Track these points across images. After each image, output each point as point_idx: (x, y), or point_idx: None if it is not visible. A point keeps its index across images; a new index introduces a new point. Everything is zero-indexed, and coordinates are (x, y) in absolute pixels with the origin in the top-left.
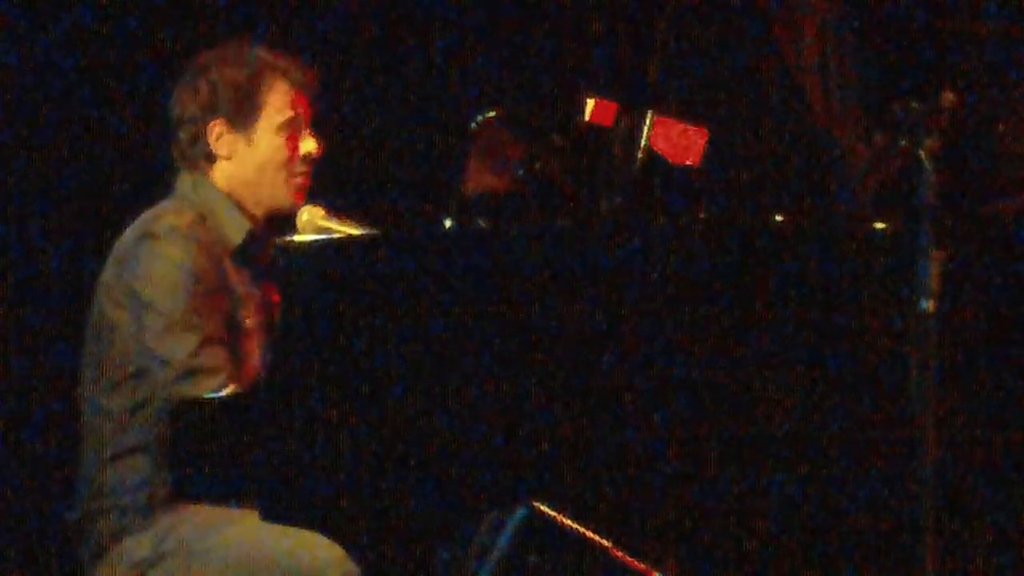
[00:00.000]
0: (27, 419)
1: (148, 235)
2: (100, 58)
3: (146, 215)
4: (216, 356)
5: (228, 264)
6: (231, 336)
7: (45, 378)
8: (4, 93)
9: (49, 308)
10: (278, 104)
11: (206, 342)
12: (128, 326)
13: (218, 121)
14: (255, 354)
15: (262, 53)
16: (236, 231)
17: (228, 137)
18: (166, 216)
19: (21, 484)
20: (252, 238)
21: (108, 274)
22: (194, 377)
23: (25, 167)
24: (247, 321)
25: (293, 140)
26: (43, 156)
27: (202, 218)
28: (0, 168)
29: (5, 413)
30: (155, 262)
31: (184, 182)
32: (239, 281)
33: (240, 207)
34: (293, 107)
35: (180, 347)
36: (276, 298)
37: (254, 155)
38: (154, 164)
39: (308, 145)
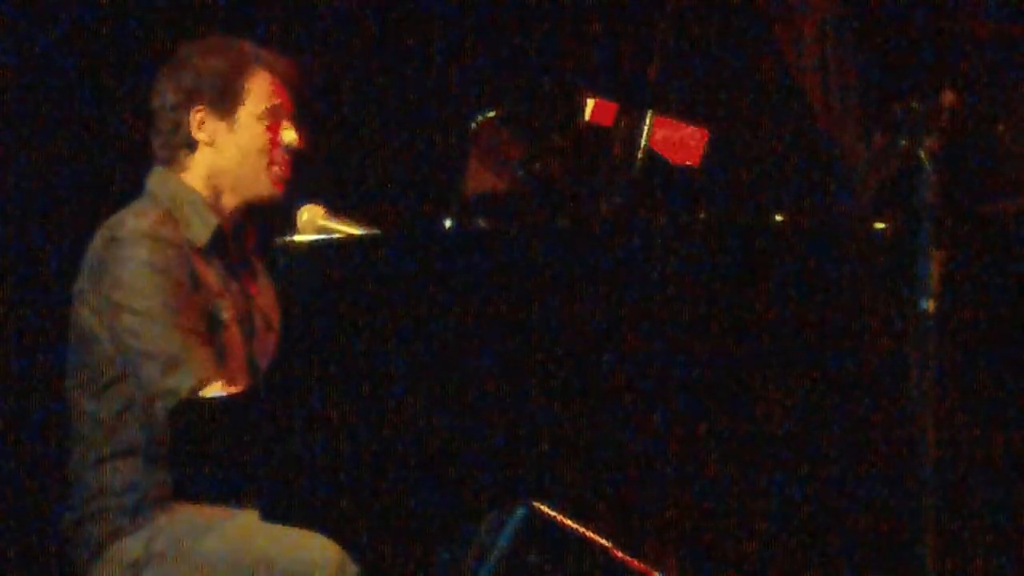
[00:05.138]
0: (27, 419)
1: (113, 240)
2: (100, 58)
3: (111, 220)
4: (197, 348)
5: (198, 260)
6: (210, 330)
7: (45, 378)
8: (4, 93)
9: (49, 308)
10: (260, 92)
11: (185, 335)
12: (105, 332)
13: (200, 107)
14: (236, 347)
15: (243, 44)
16: (203, 228)
17: (210, 123)
18: (129, 219)
19: (21, 484)
20: (220, 234)
21: (81, 282)
22: (178, 369)
23: (25, 167)
24: (224, 315)
25: (274, 129)
26: (43, 156)
27: (168, 215)
28: (0, 168)
29: (5, 413)
30: (124, 265)
31: (153, 180)
32: (211, 276)
33: (213, 200)
34: (274, 96)
35: (160, 341)
36: (255, 290)
37: (236, 141)
38: (153, 164)
39: (289, 135)
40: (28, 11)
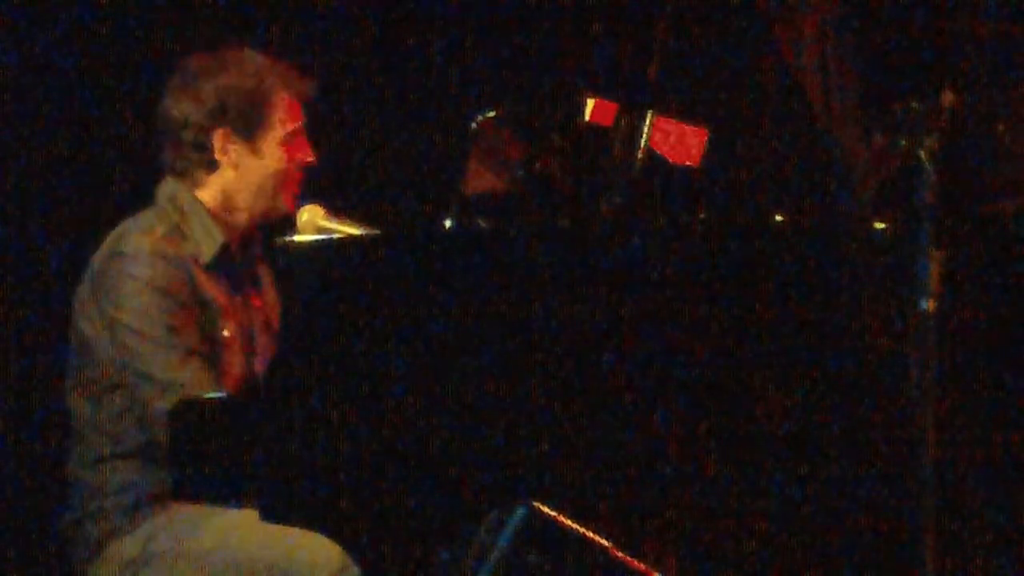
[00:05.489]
0: (27, 419)
1: (117, 254)
2: (100, 58)
3: (117, 230)
4: (196, 369)
5: (201, 276)
6: (210, 348)
7: (45, 378)
8: (4, 93)
9: (49, 308)
10: (283, 116)
11: (185, 357)
12: (105, 344)
13: (224, 130)
14: (237, 363)
15: (264, 60)
16: (209, 244)
17: (234, 147)
18: (134, 233)
19: (21, 484)
20: (226, 250)
21: (83, 289)
22: (176, 393)
23: (25, 167)
24: (225, 332)
25: (294, 150)
26: (43, 156)
27: (175, 230)
28: (0, 168)
29: (5, 413)
30: (125, 282)
31: (162, 191)
32: (215, 292)
33: (224, 216)
34: (295, 119)
35: (160, 364)
36: (258, 303)
37: (260, 166)
38: (153, 164)
39: (304, 155)
40: (28, 11)
